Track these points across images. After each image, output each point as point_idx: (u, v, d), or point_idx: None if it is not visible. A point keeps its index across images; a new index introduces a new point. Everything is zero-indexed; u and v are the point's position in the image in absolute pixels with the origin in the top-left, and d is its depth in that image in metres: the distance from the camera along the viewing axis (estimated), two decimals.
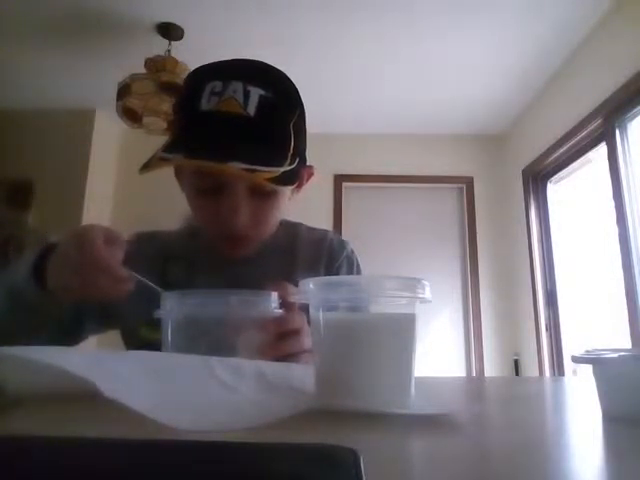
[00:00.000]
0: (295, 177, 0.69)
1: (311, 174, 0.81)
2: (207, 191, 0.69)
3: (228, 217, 0.68)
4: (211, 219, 0.72)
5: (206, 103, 0.65)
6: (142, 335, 0.68)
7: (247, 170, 0.61)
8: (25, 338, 0.66)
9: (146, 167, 0.64)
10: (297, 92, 0.72)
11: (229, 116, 0.64)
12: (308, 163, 0.80)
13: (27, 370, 0.35)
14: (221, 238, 0.74)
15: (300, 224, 0.89)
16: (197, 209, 0.73)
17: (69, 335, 0.73)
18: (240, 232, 0.70)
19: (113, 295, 0.58)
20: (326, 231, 0.89)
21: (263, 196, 0.69)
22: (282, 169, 0.64)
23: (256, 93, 0.65)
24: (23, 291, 0.61)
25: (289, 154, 0.67)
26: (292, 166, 0.67)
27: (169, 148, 0.67)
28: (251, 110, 0.64)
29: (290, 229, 0.86)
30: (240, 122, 0.64)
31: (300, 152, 0.71)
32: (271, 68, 0.71)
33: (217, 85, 0.65)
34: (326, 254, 0.83)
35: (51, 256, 0.60)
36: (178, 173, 0.77)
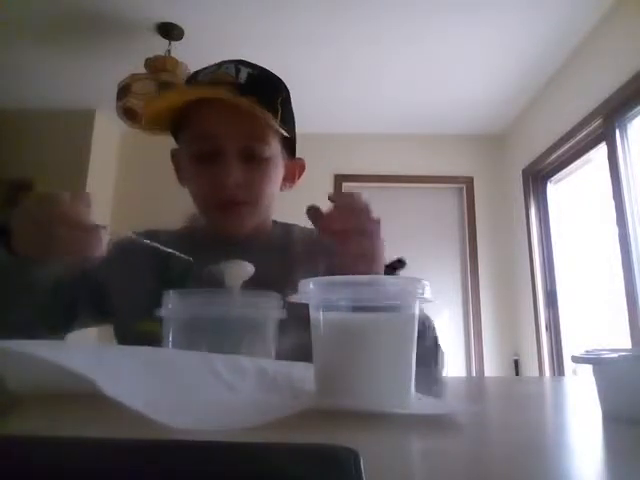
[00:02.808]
0: (287, 147, 0.78)
1: (303, 167, 0.86)
2: (203, 158, 0.73)
3: (221, 179, 0.71)
4: (206, 185, 0.74)
5: (202, 77, 0.73)
6: (143, 329, 0.67)
7: (238, 98, 0.67)
8: (7, 314, 0.64)
9: (149, 104, 0.74)
10: (281, 80, 0.78)
11: (223, 81, 0.71)
12: (307, 165, 0.85)
13: (27, 366, 0.34)
14: (215, 207, 0.75)
15: (294, 224, 0.90)
16: (194, 178, 0.76)
17: (57, 320, 0.72)
18: (232, 194, 0.72)
19: (85, 250, 0.56)
20: None
21: (255, 162, 0.73)
22: (270, 114, 0.70)
23: (245, 70, 0.73)
24: None
25: (277, 120, 0.72)
26: (280, 131, 0.72)
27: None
28: (241, 79, 0.71)
29: (284, 229, 0.87)
30: (233, 84, 0.71)
31: (288, 129, 0.75)
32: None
33: (212, 67, 0.74)
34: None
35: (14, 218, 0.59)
36: (181, 144, 0.79)
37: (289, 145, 0.80)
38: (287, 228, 0.88)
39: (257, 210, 0.78)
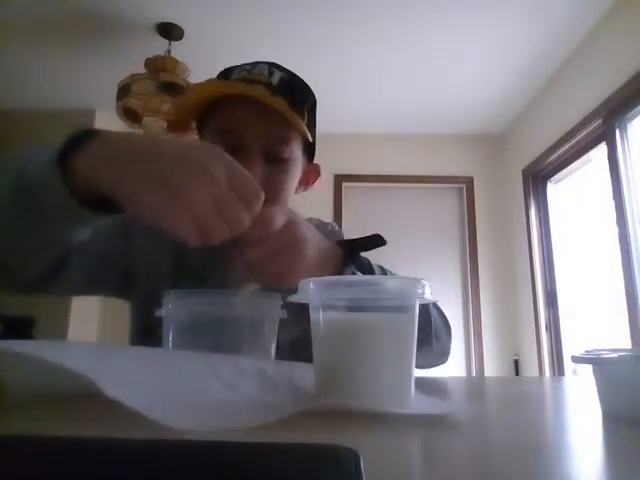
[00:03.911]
0: (307, 151, 0.79)
1: (318, 173, 0.88)
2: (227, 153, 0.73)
3: None
4: None
5: (236, 75, 0.74)
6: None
7: (273, 98, 0.68)
8: (18, 251, 0.54)
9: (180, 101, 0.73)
10: (311, 89, 0.81)
11: (257, 81, 0.73)
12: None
13: (27, 366, 0.34)
14: None
15: (310, 218, 0.90)
16: None
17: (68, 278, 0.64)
18: None
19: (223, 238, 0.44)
20: (334, 224, 0.93)
21: (277, 162, 0.74)
22: (300, 120, 0.71)
23: (278, 74, 0.75)
24: (33, 181, 0.46)
25: (304, 122, 0.74)
26: (306, 134, 0.74)
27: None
28: (274, 81, 0.73)
29: None
30: (266, 84, 0.73)
31: (311, 134, 0.77)
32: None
33: (247, 66, 0.75)
34: None
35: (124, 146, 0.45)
36: (203, 138, 0.79)
37: (309, 150, 0.82)
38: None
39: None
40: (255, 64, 0.76)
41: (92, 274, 0.70)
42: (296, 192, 0.84)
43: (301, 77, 0.79)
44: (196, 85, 0.73)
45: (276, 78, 0.74)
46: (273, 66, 0.76)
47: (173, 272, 0.76)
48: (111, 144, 0.45)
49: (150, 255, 0.76)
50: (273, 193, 0.75)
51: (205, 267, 0.75)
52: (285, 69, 0.77)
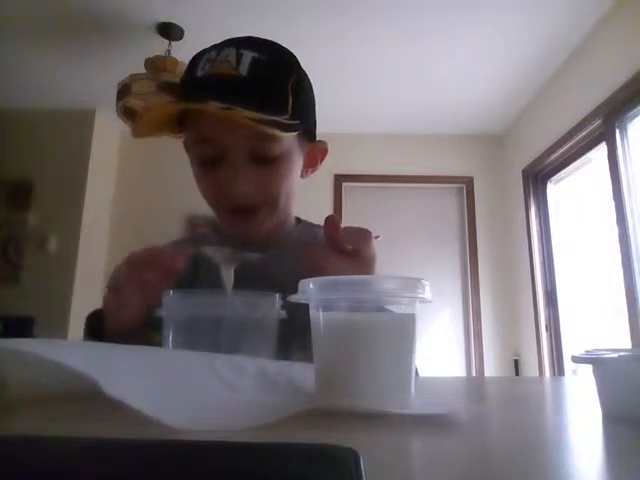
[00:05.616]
0: (295, 128, 0.68)
1: (325, 151, 0.81)
2: (210, 162, 0.68)
3: (228, 185, 0.67)
4: (214, 191, 0.70)
5: (200, 70, 0.67)
6: (151, 339, 0.66)
7: (226, 109, 0.59)
8: None
9: (140, 121, 0.69)
10: (293, 57, 0.73)
11: (221, 77, 0.65)
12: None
13: (28, 366, 0.34)
14: (228, 212, 0.71)
15: (319, 226, 0.86)
16: (201, 183, 0.72)
17: None
18: (242, 201, 0.68)
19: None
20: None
21: (266, 163, 0.67)
22: (275, 118, 0.62)
23: (249, 55, 0.66)
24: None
25: (287, 110, 0.66)
26: (291, 121, 0.65)
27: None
28: (243, 70, 0.65)
29: (309, 230, 0.83)
30: (232, 81, 0.65)
31: (303, 115, 0.70)
32: (265, 39, 0.72)
33: (212, 54, 0.67)
34: None
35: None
36: (186, 147, 0.75)
37: (307, 131, 0.74)
38: (309, 228, 0.83)
39: (275, 211, 0.73)
40: (222, 48, 0.67)
41: None
42: (303, 176, 0.78)
43: (280, 47, 0.71)
44: (147, 110, 0.72)
45: (245, 63, 0.65)
46: (242, 46, 0.66)
47: None
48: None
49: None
50: (271, 193, 0.70)
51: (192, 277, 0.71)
52: (259, 44, 0.68)
